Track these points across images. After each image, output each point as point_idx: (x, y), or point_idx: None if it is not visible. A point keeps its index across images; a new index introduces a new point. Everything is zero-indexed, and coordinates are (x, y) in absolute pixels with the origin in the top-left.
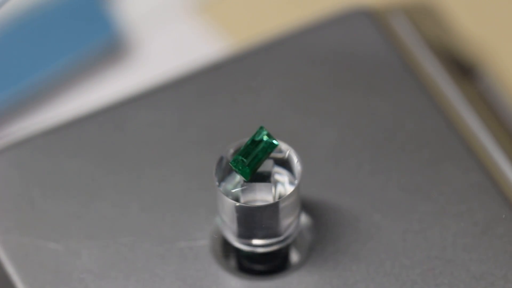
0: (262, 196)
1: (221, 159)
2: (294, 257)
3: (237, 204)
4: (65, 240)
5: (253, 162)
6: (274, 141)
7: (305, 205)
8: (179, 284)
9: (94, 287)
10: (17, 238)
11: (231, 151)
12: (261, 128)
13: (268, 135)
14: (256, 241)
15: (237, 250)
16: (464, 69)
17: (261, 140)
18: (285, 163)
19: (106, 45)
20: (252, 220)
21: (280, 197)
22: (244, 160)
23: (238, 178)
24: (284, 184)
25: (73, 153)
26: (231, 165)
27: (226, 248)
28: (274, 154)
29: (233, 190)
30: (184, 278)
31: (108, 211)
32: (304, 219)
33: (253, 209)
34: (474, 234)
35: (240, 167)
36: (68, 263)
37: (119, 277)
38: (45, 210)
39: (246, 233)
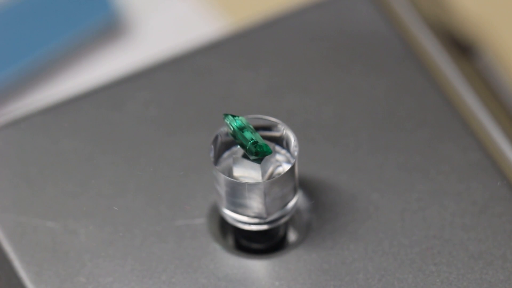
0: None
1: (216, 138)
2: (292, 235)
3: (266, 180)
4: (63, 219)
5: (260, 139)
6: (239, 116)
7: (303, 184)
8: (177, 262)
9: (92, 266)
10: (14, 216)
11: (226, 130)
12: (225, 116)
13: (232, 115)
14: (261, 219)
15: (235, 229)
16: (462, 48)
17: (239, 122)
18: (282, 142)
19: (104, 24)
20: (273, 191)
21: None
22: (256, 140)
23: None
24: (281, 163)
25: (71, 132)
26: (255, 156)
27: (224, 227)
28: (271, 133)
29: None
30: (182, 257)
31: (105, 190)
32: (302, 198)
33: (277, 180)
34: (473, 213)
35: (262, 149)
36: (66, 242)
37: (116, 255)
38: (42, 188)
39: (264, 209)
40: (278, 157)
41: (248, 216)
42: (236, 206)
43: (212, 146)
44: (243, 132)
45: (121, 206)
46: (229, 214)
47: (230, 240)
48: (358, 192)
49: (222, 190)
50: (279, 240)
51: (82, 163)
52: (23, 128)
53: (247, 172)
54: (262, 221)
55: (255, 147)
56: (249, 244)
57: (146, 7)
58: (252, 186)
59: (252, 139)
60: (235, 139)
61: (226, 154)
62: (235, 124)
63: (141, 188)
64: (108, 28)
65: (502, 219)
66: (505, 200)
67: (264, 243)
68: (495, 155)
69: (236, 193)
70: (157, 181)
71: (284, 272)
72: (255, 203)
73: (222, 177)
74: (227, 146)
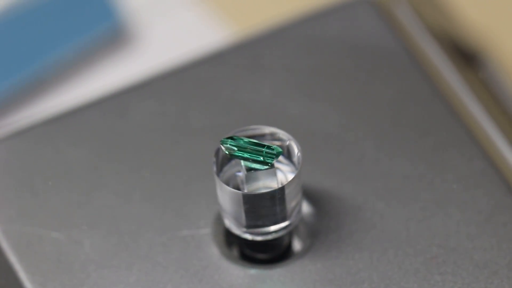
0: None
1: (218, 150)
2: (297, 245)
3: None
4: (67, 229)
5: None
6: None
7: (308, 194)
8: (182, 272)
9: (97, 276)
10: (19, 227)
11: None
12: (222, 142)
13: (226, 137)
14: (261, 229)
15: (240, 239)
16: (467, 57)
17: (241, 138)
18: (286, 153)
19: (109, 33)
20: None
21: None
22: (268, 145)
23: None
24: (285, 174)
25: (75, 142)
26: (271, 160)
27: (229, 237)
28: (275, 143)
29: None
30: (187, 267)
31: (110, 200)
32: (306, 207)
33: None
34: (478, 222)
35: (277, 150)
36: (71, 253)
37: (121, 266)
38: (47, 199)
39: (253, 222)
40: (278, 165)
41: (271, 225)
42: (257, 219)
43: (214, 159)
44: (249, 144)
45: (126, 216)
46: (252, 231)
47: (235, 250)
48: (363, 202)
49: (241, 209)
50: (284, 250)
51: (87, 172)
52: (28, 138)
53: (261, 183)
54: (284, 225)
55: (272, 149)
56: (254, 254)
57: (150, 16)
58: (280, 191)
59: (264, 145)
60: (240, 158)
61: (225, 169)
62: (238, 142)
63: (145, 198)
64: (112, 37)
65: (507, 228)
66: (510, 209)
67: (269, 253)
68: (500, 164)
69: (261, 205)
70: (161, 191)
71: (289, 282)
72: (279, 208)
73: (243, 196)
74: (228, 160)
